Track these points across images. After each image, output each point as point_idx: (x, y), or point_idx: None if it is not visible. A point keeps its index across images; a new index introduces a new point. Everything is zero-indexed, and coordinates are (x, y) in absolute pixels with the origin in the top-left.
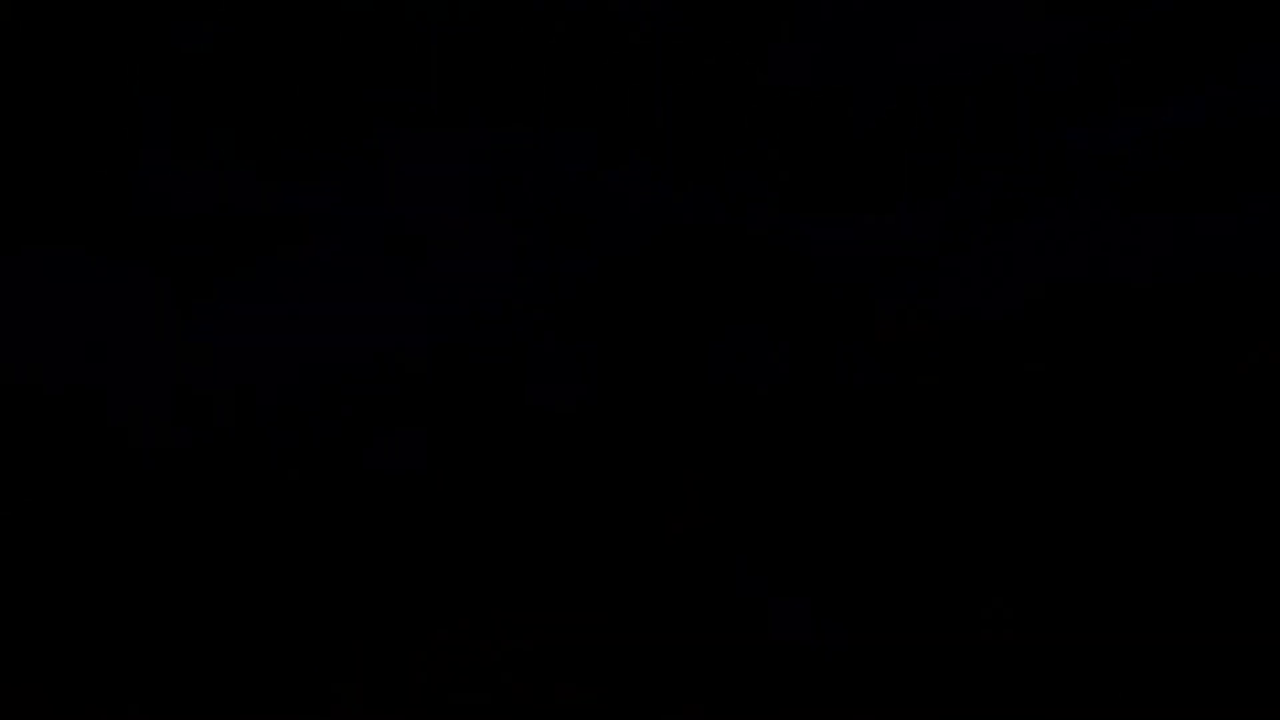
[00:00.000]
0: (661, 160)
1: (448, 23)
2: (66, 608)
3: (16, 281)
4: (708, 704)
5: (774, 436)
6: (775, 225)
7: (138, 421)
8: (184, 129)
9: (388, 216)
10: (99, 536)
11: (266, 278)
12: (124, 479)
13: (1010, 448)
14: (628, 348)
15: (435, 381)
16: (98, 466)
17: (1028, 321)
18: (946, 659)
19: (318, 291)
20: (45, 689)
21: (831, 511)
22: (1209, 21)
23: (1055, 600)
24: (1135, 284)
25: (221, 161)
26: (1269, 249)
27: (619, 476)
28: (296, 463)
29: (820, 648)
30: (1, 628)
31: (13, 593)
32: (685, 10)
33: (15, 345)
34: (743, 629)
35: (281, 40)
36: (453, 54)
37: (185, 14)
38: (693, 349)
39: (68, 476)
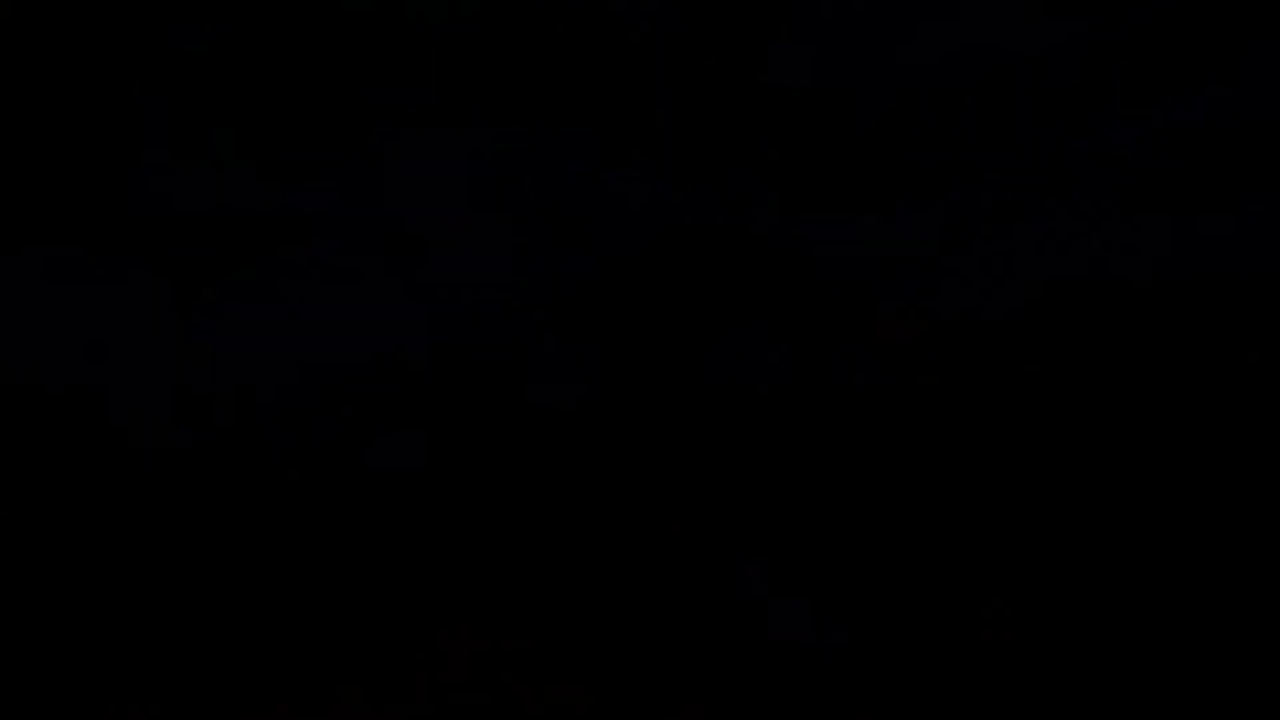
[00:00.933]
0: (661, 160)
1: (448, 23)
2: (66, 608)
3: (16, 281)
4: (708, 704)
5: (774, 436)
6: (775, 225)
7: (138, 421)
8: (184, 129)
9: (388, 216)
10: (99, 536)
11: (266, 278)
12: (124, 479)
13: (1010, 448)
14: (628, 348)
15: (435, 381)
16: (98, 466)
17: (1028, 321)
18: (946, 659)
19: (318, 291)
20: (45, 689)
21: (831, 511)
22: (1209, 21)
23: (1055, 600)
24: (1135, 284)
25: (221, 161)
26: (1269, 249)
27: (619, 476)
28: (296, 463)
29: (820, 648)
30: (1, 628)
31: (13, 593)
32: (685, 10)
33: (15, 345)
34: (743, 629)
35: (281, 40)
36: (453, 54)
37: (185, 14)
38: (693, 349)
39: (68, 476)
